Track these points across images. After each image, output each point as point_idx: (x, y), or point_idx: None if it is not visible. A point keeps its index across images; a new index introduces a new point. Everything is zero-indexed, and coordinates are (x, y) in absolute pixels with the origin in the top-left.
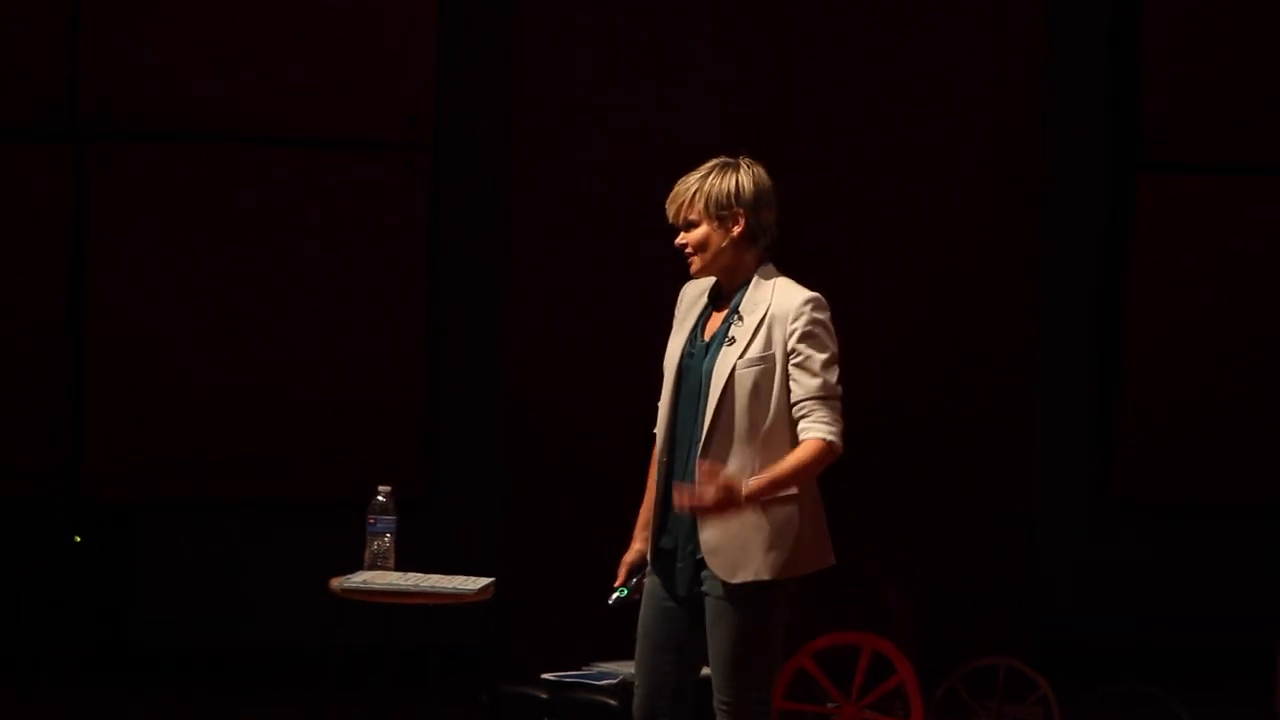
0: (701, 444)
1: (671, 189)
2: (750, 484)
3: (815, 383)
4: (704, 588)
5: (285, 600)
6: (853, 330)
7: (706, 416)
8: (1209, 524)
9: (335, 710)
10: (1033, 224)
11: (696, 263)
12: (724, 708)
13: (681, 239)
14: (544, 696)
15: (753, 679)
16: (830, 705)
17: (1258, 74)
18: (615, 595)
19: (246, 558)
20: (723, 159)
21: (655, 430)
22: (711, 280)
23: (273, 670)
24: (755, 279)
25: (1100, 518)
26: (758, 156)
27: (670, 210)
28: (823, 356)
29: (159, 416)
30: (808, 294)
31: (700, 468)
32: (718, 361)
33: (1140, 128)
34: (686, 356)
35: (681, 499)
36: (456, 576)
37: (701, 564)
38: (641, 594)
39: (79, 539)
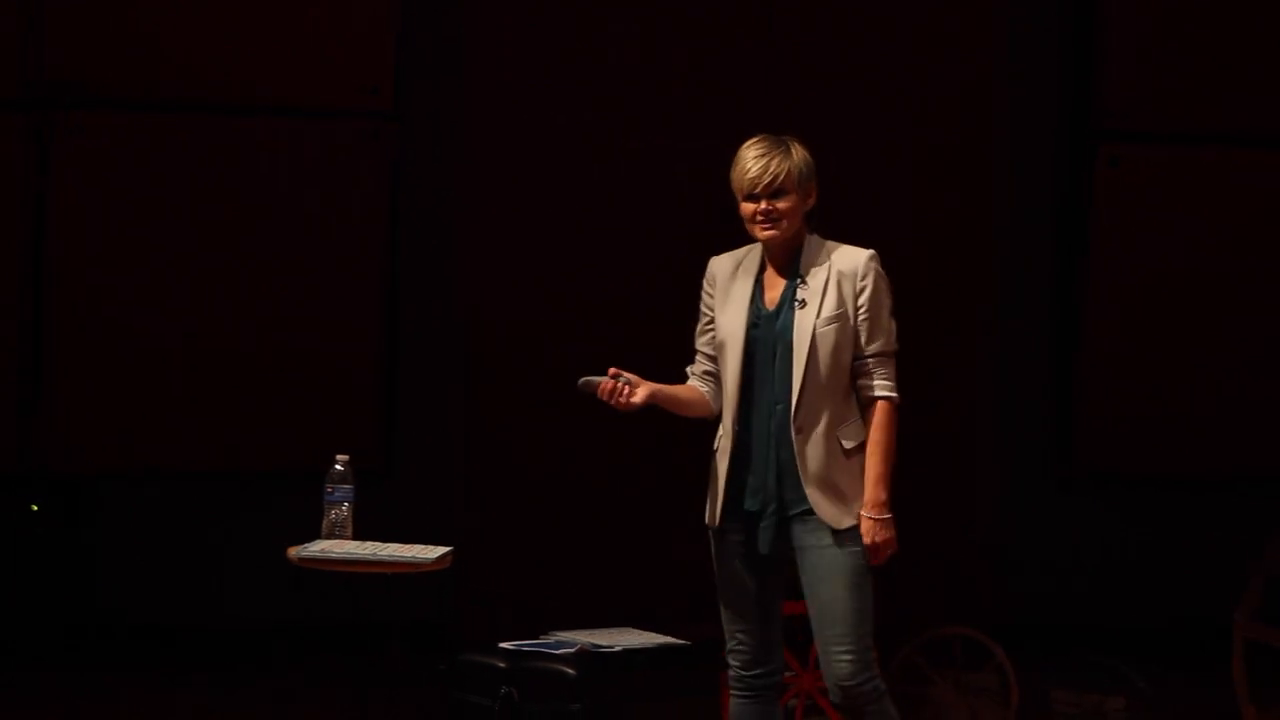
0: (794, 404)
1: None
2: (872, 500)
3: (879, 341)
4: (800, 544)
5: (245, 572)
6: None
7: (795, 378)
8: (1170, 500)
9: (296, 680)
10: (989, 205)
11: (781, 230)
12: (847, 655)
13: (768, 206)
14: (502, 666)
15: (866, 624)
16: (789, 674)
17: (1214, 51)
18: (589, 379)
19: (206, 530)
20: (771, 135)
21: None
22: (743, 252)
23: (233, 641)
24: (806, 243)
25: (1061, 496)
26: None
27: (761, 179)
28: (886, 311)
29: (117, 389)
30: (868, 251)
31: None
32: (795, 325)
33: (1098, 107)
34: (752, 327)
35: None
36: (414, 546)
37: (789, 521)
38: (596, 390)
39: (35, 508)
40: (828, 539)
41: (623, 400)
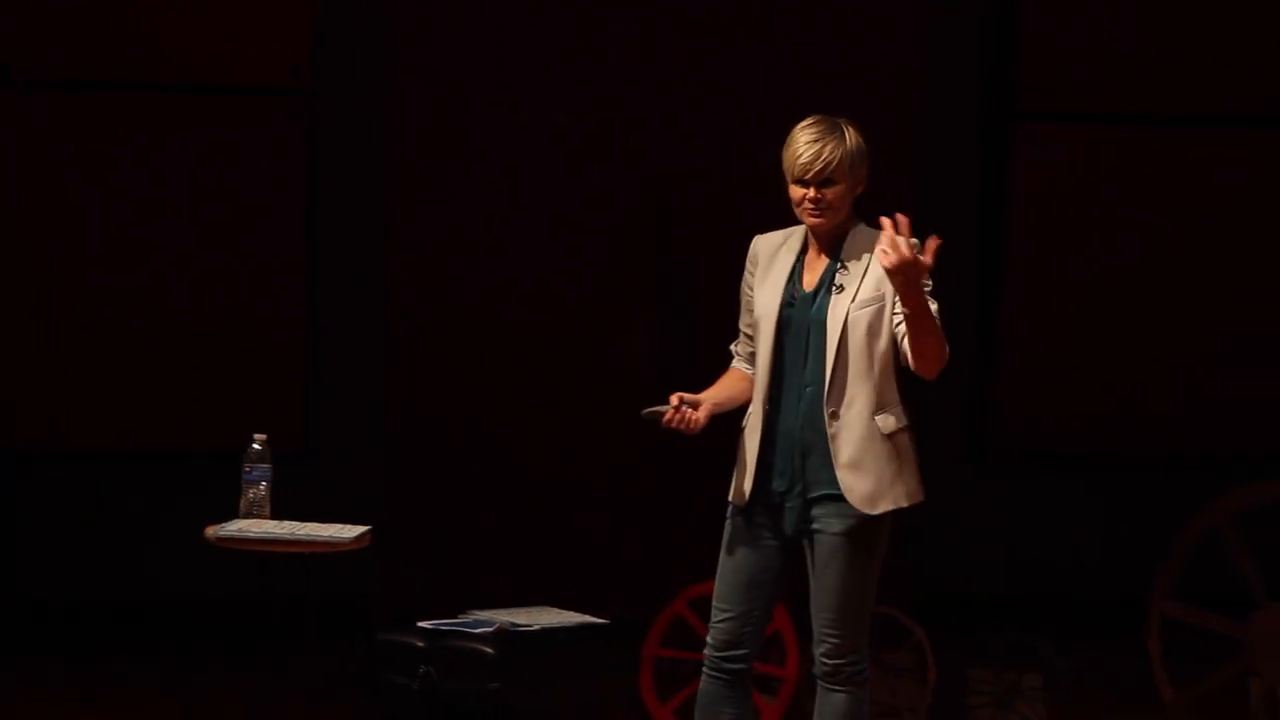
0: (827, 387)
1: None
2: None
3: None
4: (816, 525)
5: (163, 551)
6: (731, 298)
7: (828, 361)
8: (1088, 479)
9: (214, 660)
10: (908, 183)
11: (827, 217)
12: (832, 638)
13: (817, 194)
14: (420, 645)
15: (864, 611)
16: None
17: (1130, 28)
18: (653, 409)
19: (125, 508)
20: (825, 118)
21: (739, 353)
22: (788, 232)
23: (151, 621)
24: (854, 229)
25: (980, 475)
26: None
27: (814, 166)
28: (928, 290)
29: (36, 365)
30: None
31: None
32: (830, 309)
33: (1019, 86)
34: (787, 306)
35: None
36: (332, 525)
37: (811, 504)
38: (661, 420)
39: None
40: (842, 525)
41: (690, 426)
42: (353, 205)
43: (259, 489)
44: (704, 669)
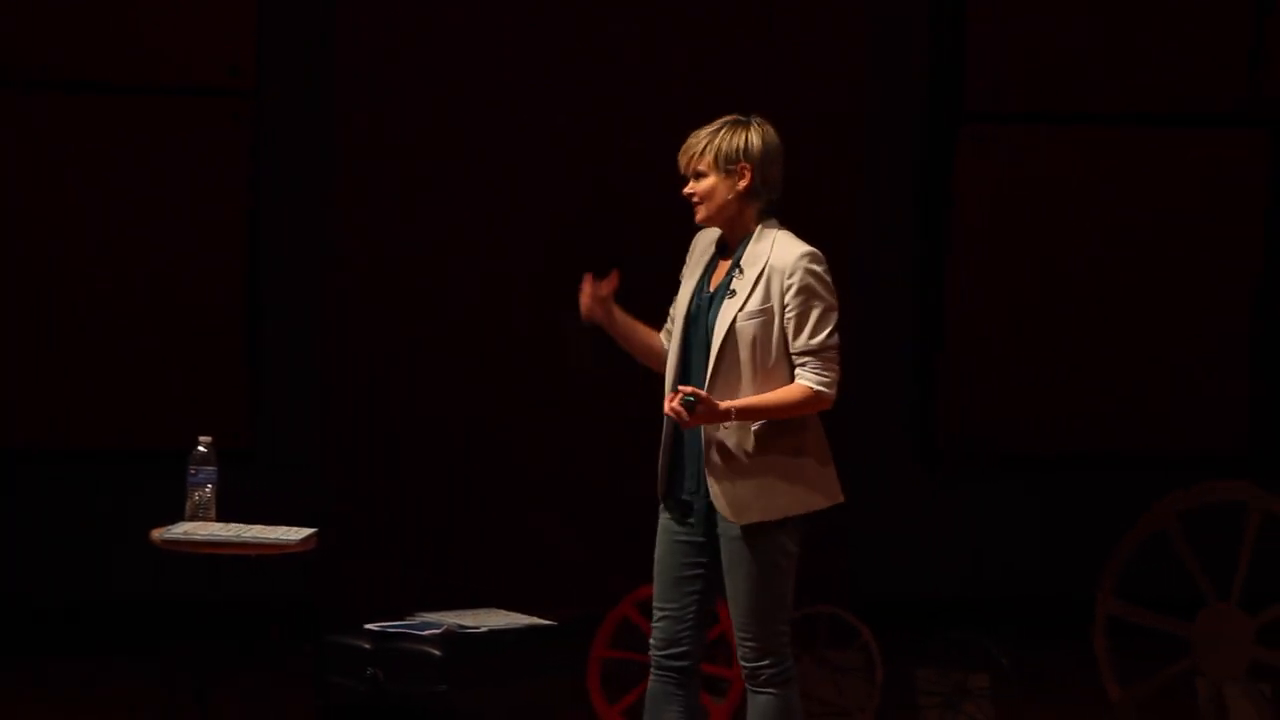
0: (706, 392)
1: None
2: (733, 406)
3: (808, 337)
4: (719, 529)
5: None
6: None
7: (709, 366)
8: (1035, 478)
9: (160, 661)
10: (856, 184)
11: (701, 211)
12: (747, 642)
13: (690, 188)
14: (367, 647)
15: (771, 614)
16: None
17: (1079, 28)
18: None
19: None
20: (734, 116)
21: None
22: (718, 231)
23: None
24: (757, 233)
25: (927, 475)
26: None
27: (681, 161)
28: (817, 310)
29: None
30: (805, 248)
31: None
32: (720, 313)
33: (963, 85)
34: (694, 306)
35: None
36: (279, 527)
37: (713, 507)
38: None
39: None
40: (740, 530)
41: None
42: (299, 207)
43: (205, 491)
44: (651, 668)
